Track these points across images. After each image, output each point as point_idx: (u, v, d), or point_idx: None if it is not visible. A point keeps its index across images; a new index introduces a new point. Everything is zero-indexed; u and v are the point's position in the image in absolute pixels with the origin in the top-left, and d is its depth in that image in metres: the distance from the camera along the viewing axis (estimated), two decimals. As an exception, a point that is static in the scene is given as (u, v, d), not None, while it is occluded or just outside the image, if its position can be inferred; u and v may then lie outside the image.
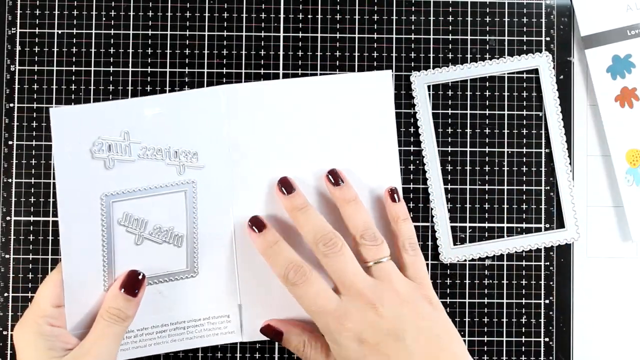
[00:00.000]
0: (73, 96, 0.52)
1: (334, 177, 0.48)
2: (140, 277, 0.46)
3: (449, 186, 0.52)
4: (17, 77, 0.52)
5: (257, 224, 0.46)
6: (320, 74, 0.53)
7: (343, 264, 0.43)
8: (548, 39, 0.53)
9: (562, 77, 0.53)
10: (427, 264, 0.51)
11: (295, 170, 0.49)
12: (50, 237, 0.52)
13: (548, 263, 0.52)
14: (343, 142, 0.50)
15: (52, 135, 0.46)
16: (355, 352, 0.41)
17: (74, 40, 0.53)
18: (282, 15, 0.53)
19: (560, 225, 0.52)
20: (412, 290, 0.44)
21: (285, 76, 0.53)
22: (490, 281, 0.52)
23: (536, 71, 0.53)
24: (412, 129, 0.52)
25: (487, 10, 0.53)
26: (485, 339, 0.52)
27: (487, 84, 0.53)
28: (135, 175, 0.47)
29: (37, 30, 0.53)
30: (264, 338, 0.48)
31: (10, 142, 0.52)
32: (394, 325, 0.42)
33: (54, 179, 0.52)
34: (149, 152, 0.46)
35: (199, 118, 0.48)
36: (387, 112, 0.50)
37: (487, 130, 0.53)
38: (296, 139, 0.50)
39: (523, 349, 0.52)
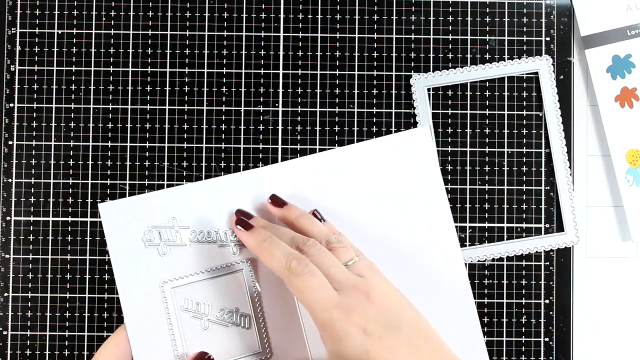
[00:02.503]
0: (73, 96, 0.52)
1: (277, 200, 0.47)
2: (207, 358, 0.44)
3: (449, 186, 0.52)
4: (17, 77, 0.52)
5: (244, 223, 0.45)
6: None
7: (329, 261, 0.43)
8: (548, 39, 0.53)
9: (562, 77, 0.53)
10: (427, 264, 0.51)
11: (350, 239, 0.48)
12: (50, 237, 0.52)
13: (548, 263, 0.52)
14: (392, 207, 0.49)
15: (104, 228, 0.45)
16: (360, 347, 0.40)
17: (74, 40, 0.53)
18: (282, 15, 0.53)
19: (560, 226, 0.52)
20: (391, 284, 0.44)
21: (285, 76, 0.53)
22: (490, 281, 0.52)
23: (536, 73, 0.53)
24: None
25: (487, 10, 0.53)
26: (485, 339, 0.52)
27: (487, 84, 0.53)
28: (191, 260, 0.45)
29: (37, 30, 0.53)
30: None
31: (10, 142, 0.52)
32: (391, 317, 0.41)
33: (54, 178, 0.52)
34: (199, 235, 0.46)
35: (243, 200, 0.47)
36: (431, 169, 0.49)
37: (487, 131, 0.53)
38: (344, 210, 0.49)
39: (523, 349, 0.52)
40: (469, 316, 0.49)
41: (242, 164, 0.52)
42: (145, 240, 0.45)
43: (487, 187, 0.53)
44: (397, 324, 0.41)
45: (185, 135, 0.52)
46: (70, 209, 0.52)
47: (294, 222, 0.46)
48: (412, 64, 0.53)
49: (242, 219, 0.46)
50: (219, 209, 0.46)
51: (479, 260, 0.52)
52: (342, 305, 0.41)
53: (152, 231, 0.45)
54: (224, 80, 0.53)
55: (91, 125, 0.52)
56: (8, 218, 0.52)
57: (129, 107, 0.52)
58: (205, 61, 0.53)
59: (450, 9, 0.53)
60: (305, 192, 0.48)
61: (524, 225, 0.52)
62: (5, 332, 0.51)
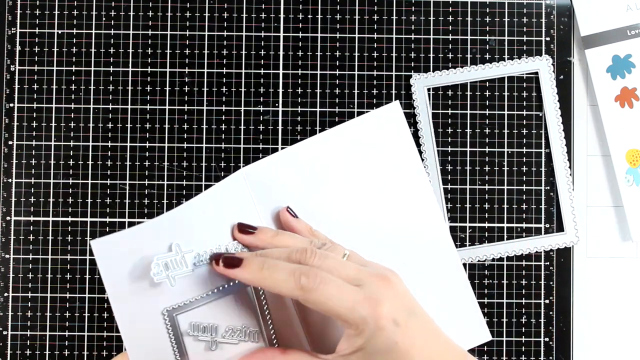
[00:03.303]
0: (73, 96, 0.52)
1: (245, 229, 0.45)
2: None
3: (449, 186, 0.52)
4: (17, 77, 0.52)
5: (231, 260, 0.42)
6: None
7: (336, 262, 0.41)
8: (548, 39, 0.53)
9: (562, 77, 0.53)
10: (427, 264, 0.51)
11: (339, 229, 0.48)
12: (50, 237, 0.52)
13: (548, 263, 0.52)
14: (374, 184, 0.50)
15: (99, 265, 0.43)
16: (390, 339, 0.38)
17: (74, 40, 0.53)
18: (282, 15, 0.53)
19: (560, 226, 0.52)
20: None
21: (285, 76, 0.53)
22: (490, 281, 0.52)
23: (536, 73, 0.53)
24: (411, 130, 0.52)
25: (487, 10, 0.53)
26: (485, 339, 0.52)
27: (487, 84, 0.53)
28: (195, 285, 0.44)
29: (37, 30, 0.53)
30: None
31: (10, 142, 0.52)
32: (408, 301, 0.40)
33: (54, 178, 0.52)
34: (202, 257, 0.44)
35: (232, 208, 0.46)
36: (405, 142, 0.50)
37: (487, 131, 0.53)
38: (328, 197, 0.49)
39: (523, 349, 0.52)
40: (461, 285, 0.50)
41: (242, 164, 0.52)
42: (154, 275, 0.42)
43: (487, 187, 0.53)
44: (414, 308, 0.40)
45: (185, 135, 0.52)
46: (70, 209, 0.52)
47: (272, 243, 0.44)
48: (412, 64, 0.53)
49: (228, 257, 0.42)
50: (216, 223, 0.45)
51: (479, 260, 0.52)
52: (369, 298, 0.39)
53: (158, 264, 0.43)
54: (224, 80, 0.53)
55: (91, 125, 0.52)
56: (8, 218, 0.52)
57: (129, 107, 0.52)
58: (205, 61, 0.53)
59: (450, 9, 0.53)
60: (289, 185, 0.48)
61: (524, 225, 0.52)
62: (5, 332, 0.51)
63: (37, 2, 0.53)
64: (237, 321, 0.44)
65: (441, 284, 0.50)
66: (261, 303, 0.44)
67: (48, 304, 0.52)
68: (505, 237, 0.52)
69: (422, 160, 0.52)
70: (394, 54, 0.53)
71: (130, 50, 0.53)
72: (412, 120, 0.52)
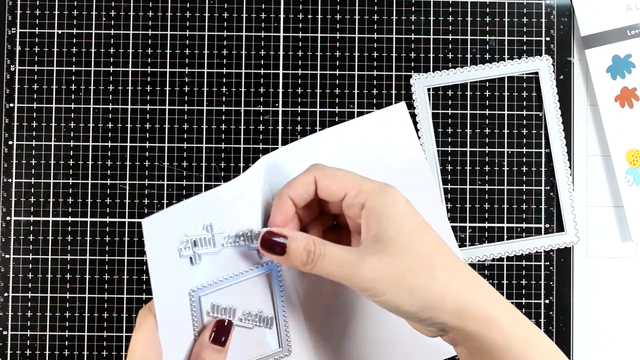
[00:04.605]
0: (73, 96, 0.52)
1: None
2: (226, 324, 0.43)
3: (449, 186, 0.52)
4: (17, 77, 0.52)
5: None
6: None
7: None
8: (548, 39, 0.53)
9: (562, 77, 0.53)
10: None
11: None
12: (50, 237, 0.52)
13: (548, 263, 0.52)
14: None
15: (146, 244, 0.42)
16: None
17: (74, 40, 0.53)
18: (282, 15, 0.53)
19: (560, 226, 0.52)
20: None
21: (285, 76, 0.53)
22: (490, 281, 0.52)
23: (536, 73, 0.53)
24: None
25: (487, 10, 0.53)
26: (485, 339, 0.52)
27: (487, 84, 0.53)
28: (220, 266, 0.44)
29: (37, 30, 0.53)
30: None
31: (10, 142, 0.52)
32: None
33: (54, 178, 0.52)
34: (230, 239, 0.44)
35: (260, 196, 0.45)
36: (411, 143, 0.48)
37: (487, 131, 0.53)
38: None
39: (523, 349, 0.52)
40: None
41: (242, 164, 0.52)
42: (179, 250, 0.43)
43: (487, 187, 0.53)
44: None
45: (185, 135, 0.52)
46: (70, 209, 0.52)
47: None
48: (412, 64, 0.53)
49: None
50: (251, 208, 0.45)
51: (479, 260, 0.52)
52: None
53: (187, 240, 0.43)
54: (224, 80, 0.53)
55: (91, 125, 0.52)
56: (8, 218, 0.52)
57: (129, 107, 0.52)
58: (205, 61, 0.53)
59: (450, 9, 0.53)
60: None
61: (524, 225, 0.52)
62: (5, 332, 0.51)
63: (37, 2, 0.53)
64: (253, 305, 0.45)
65: None
66: (277, 289, 0.45)
67: (48, 304, 0.52)
68: (505, 237, 0.52)
69: (422, 160, 0.52)
70: (394, 54, 0.53)
71: (130, 50, 0.53)
72: (412, 120, 0.52)
